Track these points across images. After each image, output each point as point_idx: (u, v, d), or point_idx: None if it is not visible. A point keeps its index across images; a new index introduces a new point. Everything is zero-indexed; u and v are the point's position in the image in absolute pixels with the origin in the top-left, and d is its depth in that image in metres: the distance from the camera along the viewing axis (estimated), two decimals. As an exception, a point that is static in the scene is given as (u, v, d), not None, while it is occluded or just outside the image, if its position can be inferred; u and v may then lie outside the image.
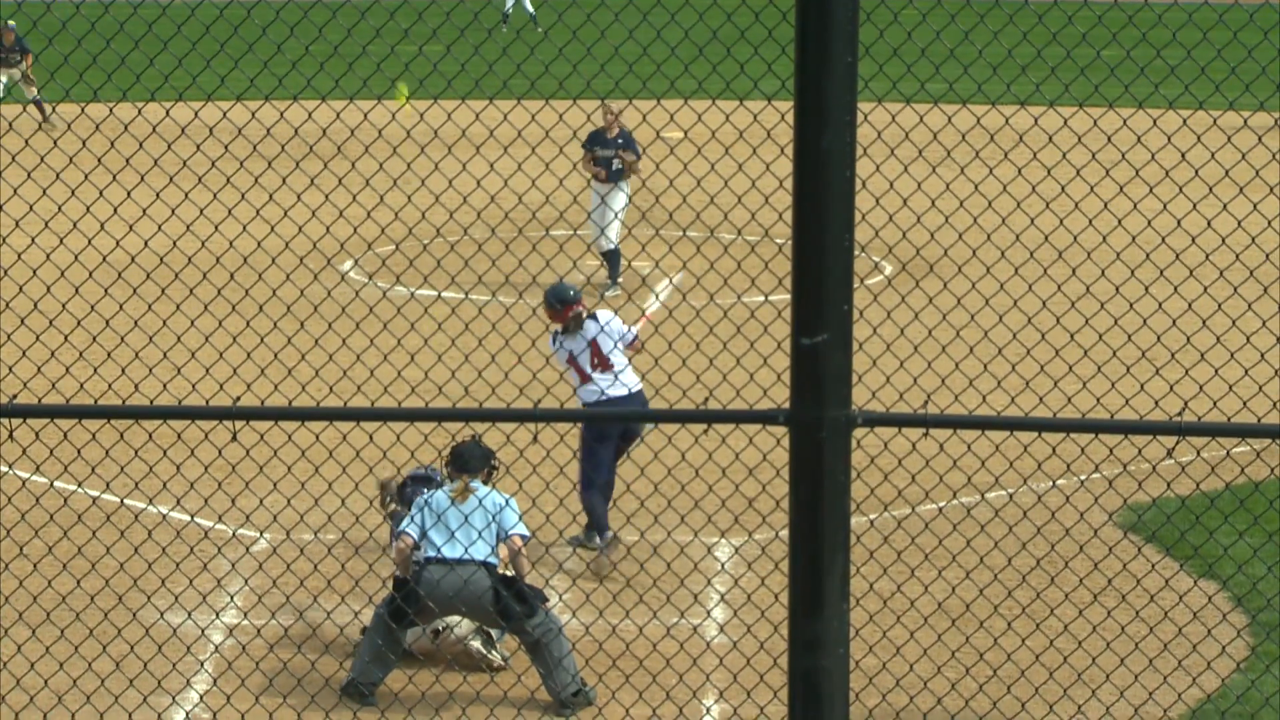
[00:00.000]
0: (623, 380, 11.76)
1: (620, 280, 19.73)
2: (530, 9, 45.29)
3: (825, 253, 3.86)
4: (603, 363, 11.76)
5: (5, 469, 12.92)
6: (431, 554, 9.76)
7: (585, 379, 11.74)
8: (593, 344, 11.73)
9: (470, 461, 9.98)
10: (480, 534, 9.74)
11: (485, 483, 9.99)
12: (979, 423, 4.39)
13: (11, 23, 30.45)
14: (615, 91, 18.91)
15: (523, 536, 9.80)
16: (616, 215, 19.68)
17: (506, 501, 9.87)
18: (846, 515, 3.91)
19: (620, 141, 19.61)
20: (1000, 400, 14.18)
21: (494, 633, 10.27)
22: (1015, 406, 12.15)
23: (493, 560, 9.79)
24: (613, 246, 19.65)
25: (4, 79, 30.40)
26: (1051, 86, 29.27)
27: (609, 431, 11.66)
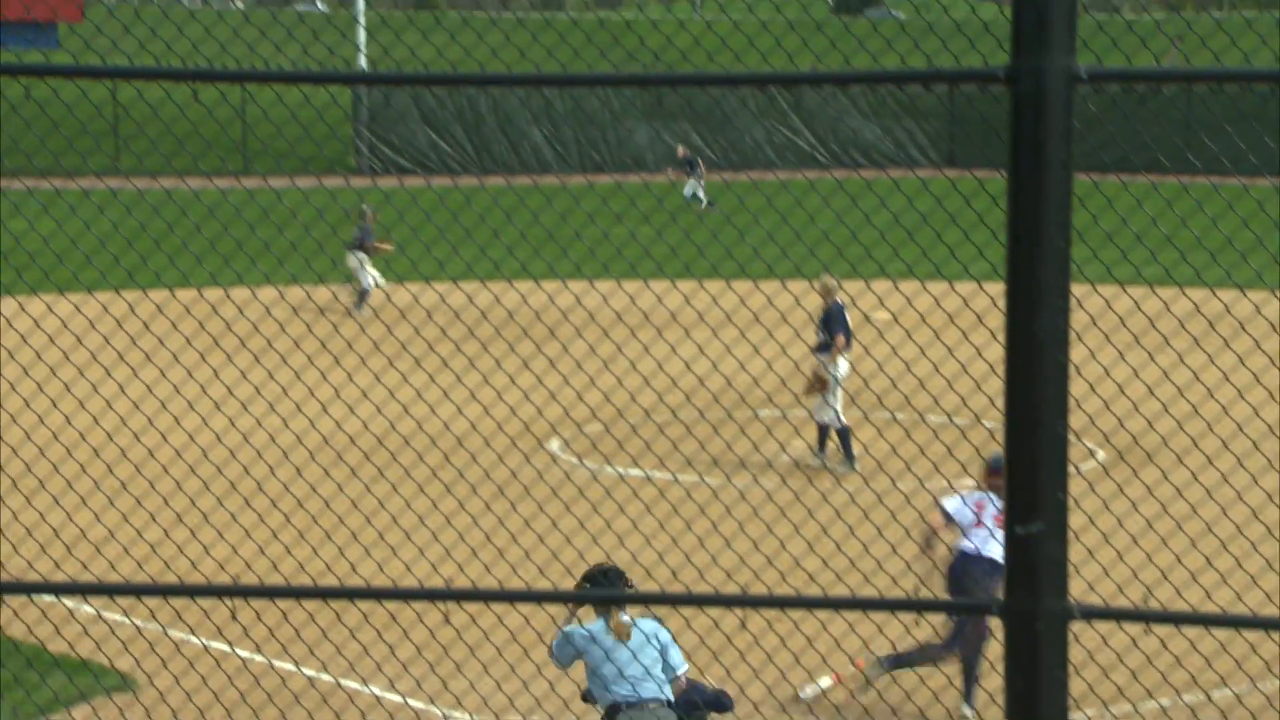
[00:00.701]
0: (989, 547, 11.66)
1: (856, 462, 19.18)
2: (703, 196, 46.02)
3: (1039, 439, 3.79)
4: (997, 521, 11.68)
5: (228, 648, 13.12)
6: (622, 695, 9.54)
7: (970, 530, 11.63)
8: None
9: (618, 585, 9.68)
10: (652, 670, 9.55)
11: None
12: (1203, 619, 4.23)
13: (366, 206, 31.32)
14: (819, 274, 18.91)
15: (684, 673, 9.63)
16: (838, 383, 19.29)
17: (670, 636, 9.66)
18: (1064, 711, 3.78)
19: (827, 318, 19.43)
20: (1224, 596, 13.71)
21: None
22: (1241, 604, 11.73)
23: (669, 696, 9.61)
24: (841, 425, 19.16)
25: (357, 262, 30.94)
26: (1272, 273, 28.68)
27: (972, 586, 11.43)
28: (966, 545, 11.62)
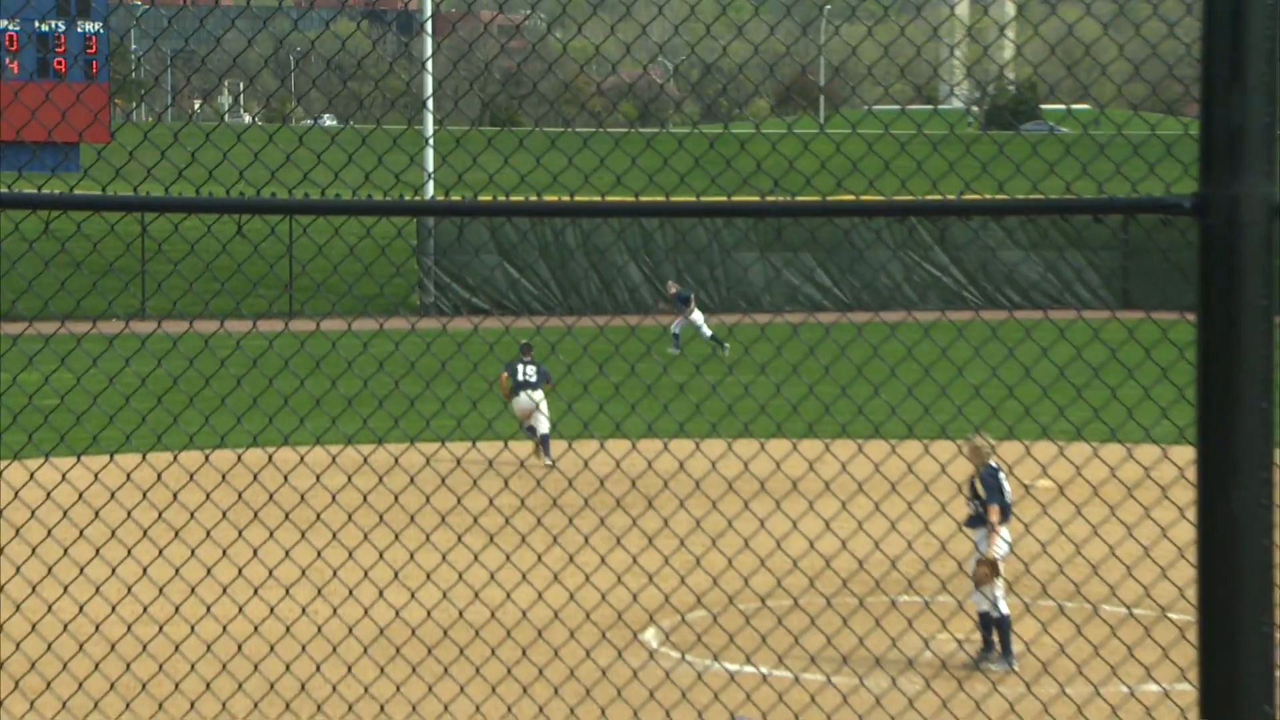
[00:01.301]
0: None
1: (1016, 661, 18.82)
2: (707, 332, 47.14)
3: (1238, 639, 3.72)
4: None
5: None
6: None
7: None
8: None
9: None
10: None
11: None
12: None
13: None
14: (967, 434, 18.78)
15: None
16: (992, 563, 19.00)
17: None
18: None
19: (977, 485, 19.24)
20: None
21: None
22: None
23: None
24: (1002, 613, 18.82)
25: (531, 404, 31.61)
26: None
27: None
28: None
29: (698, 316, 48.74)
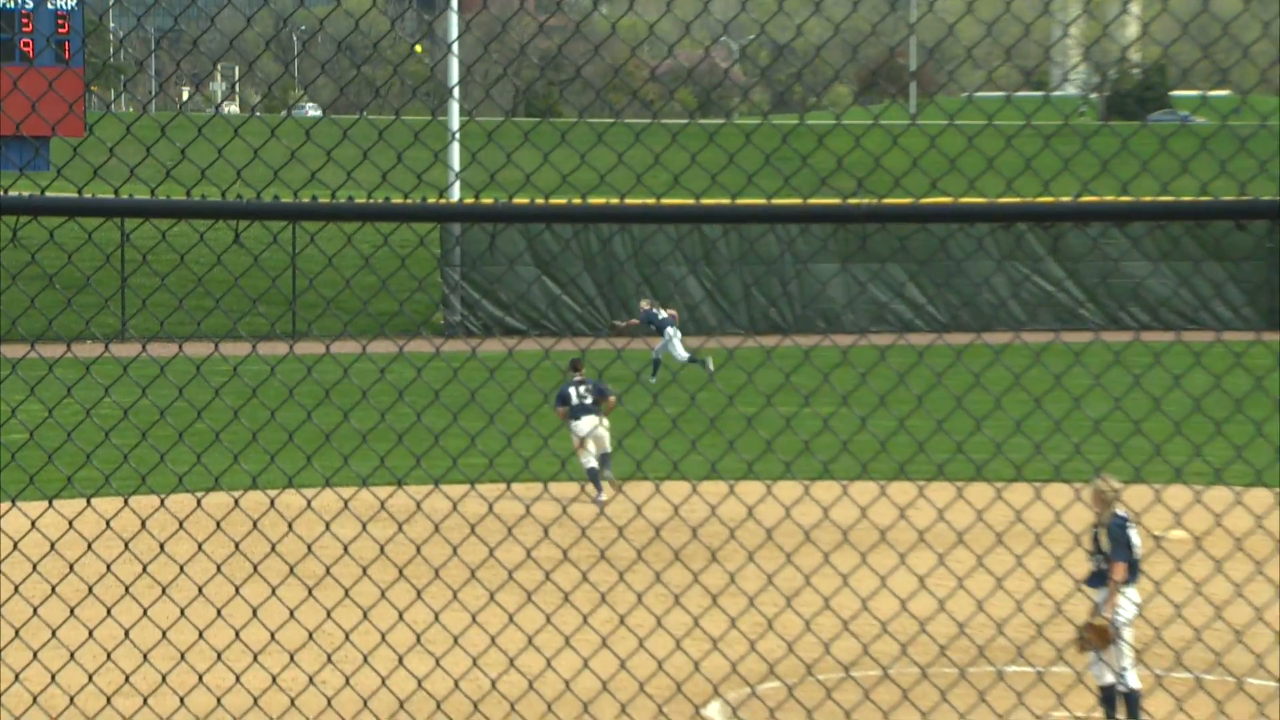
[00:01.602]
0: None
1: None
2: (684, 354, 47.40)
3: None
4: None
5: None
6: None
7: None
8: None
9: None
10: None
11: None
12: None
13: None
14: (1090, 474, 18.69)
15: None
16: (1120, 629, 18.80)
17: None
18: None
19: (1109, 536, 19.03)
20: None
21: None
22: None
23: None
24: (1129, 687, 18.61)
25: (589, 427, 31.99)
26: None
27: None
28: None
29: (675, 338, 48.36)
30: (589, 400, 32.02)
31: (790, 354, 49.04)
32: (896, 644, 17.89)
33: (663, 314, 49.29)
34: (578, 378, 32.39)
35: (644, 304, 51.13)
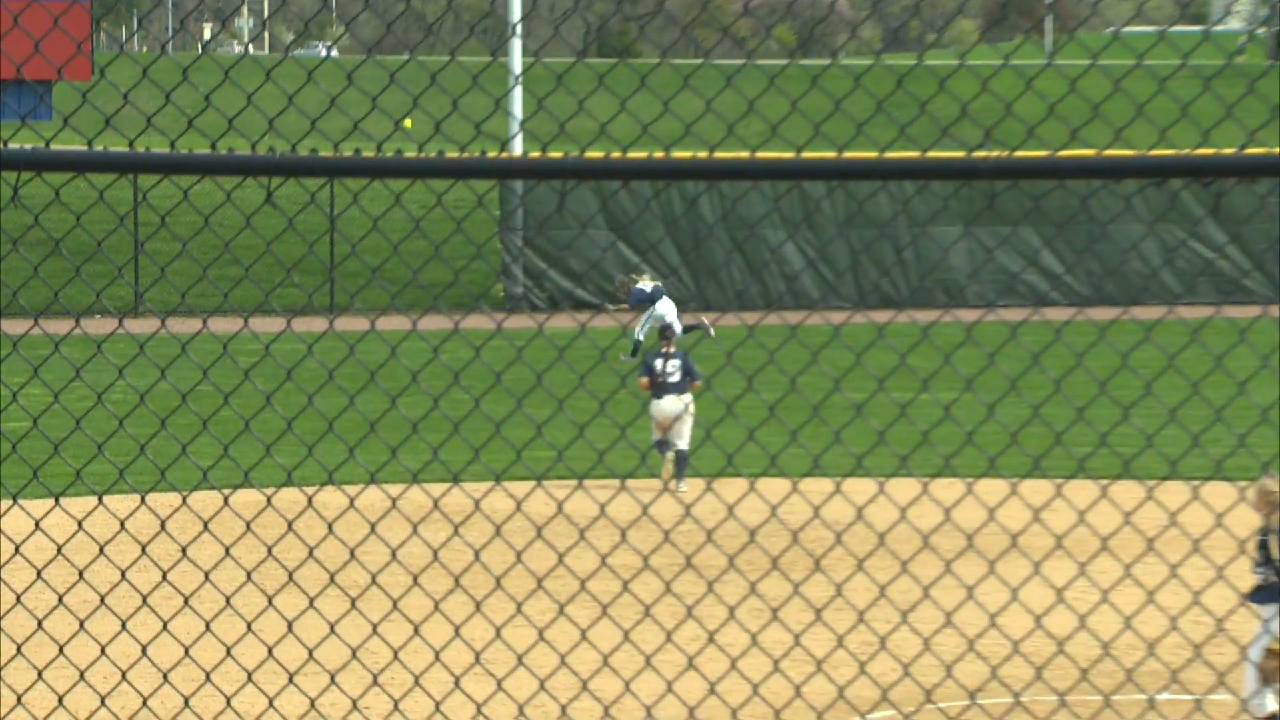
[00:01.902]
0: None
1: None
2: (678, 327, 47.05)
3: None
4: None
5: None
6: None
7: None
8: None
9: None
10: None
11: None
12: None
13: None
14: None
15: None
16: (1248, 658, 19.03)
17: None
18: None
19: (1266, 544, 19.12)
20: None
21: None
22: None
23: None
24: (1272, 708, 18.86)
25: (681, 406, 32.27)
26: None
27: None
28: None
29: (671, 310, 47.07)
30: (675, 378, 32.04)
31: (906, 331, 48.97)
32: (1030, 667, 17.90)
33: (649, 286, 48.47)
34: (667, 347, 32.38)
35: (624, 279, 50.43)
